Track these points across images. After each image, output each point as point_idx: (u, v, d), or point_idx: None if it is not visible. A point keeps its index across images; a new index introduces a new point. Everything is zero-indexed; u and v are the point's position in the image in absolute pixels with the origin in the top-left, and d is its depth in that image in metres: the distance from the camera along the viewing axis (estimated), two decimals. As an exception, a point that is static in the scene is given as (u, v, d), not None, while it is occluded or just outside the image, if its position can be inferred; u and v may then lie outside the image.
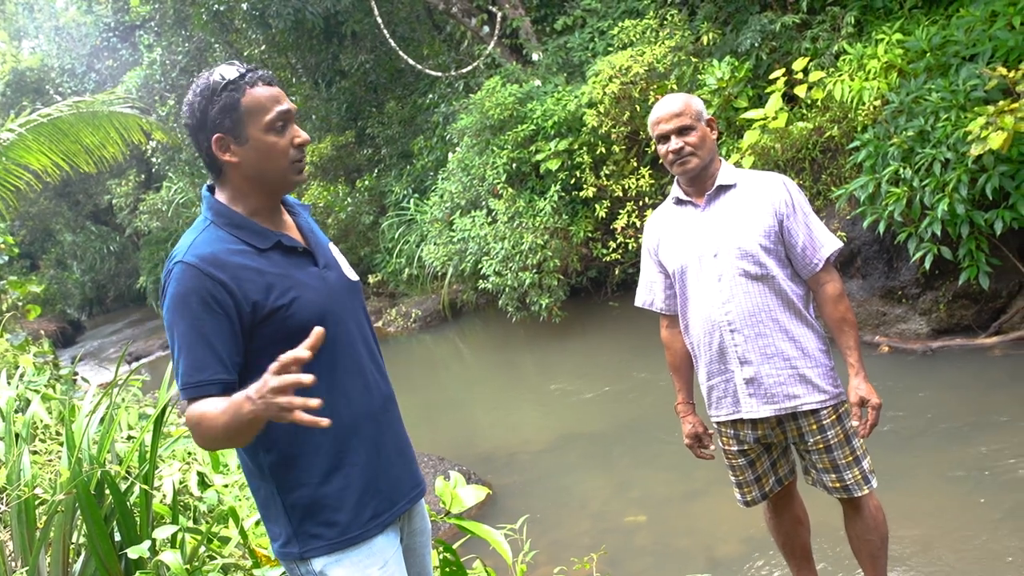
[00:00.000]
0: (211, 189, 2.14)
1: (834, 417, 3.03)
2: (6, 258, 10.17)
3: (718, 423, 3.23)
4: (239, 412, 1.77)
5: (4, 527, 3.41)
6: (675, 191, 3.21)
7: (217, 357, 1.94)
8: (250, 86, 2.03)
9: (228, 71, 2.04)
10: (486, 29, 12.81)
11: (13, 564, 3.03)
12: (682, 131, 3.02)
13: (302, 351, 1.70)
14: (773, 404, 3.02)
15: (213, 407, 1.86)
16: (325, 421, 1.70)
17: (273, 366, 1.70)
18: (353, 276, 2.27)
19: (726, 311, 3.01)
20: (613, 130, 9.43)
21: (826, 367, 3.05)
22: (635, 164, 9.75)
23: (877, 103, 6.99)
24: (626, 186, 9.53)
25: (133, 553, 2.81)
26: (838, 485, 3.08)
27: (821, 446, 3.05)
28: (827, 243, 3.02)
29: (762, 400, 3.03)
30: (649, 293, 3.35)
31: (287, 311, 2.01)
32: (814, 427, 3.03)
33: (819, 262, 3.01)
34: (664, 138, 3.07)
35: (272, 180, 2.09)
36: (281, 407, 1.69)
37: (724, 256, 3.01)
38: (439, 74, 13.70)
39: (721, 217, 3.06)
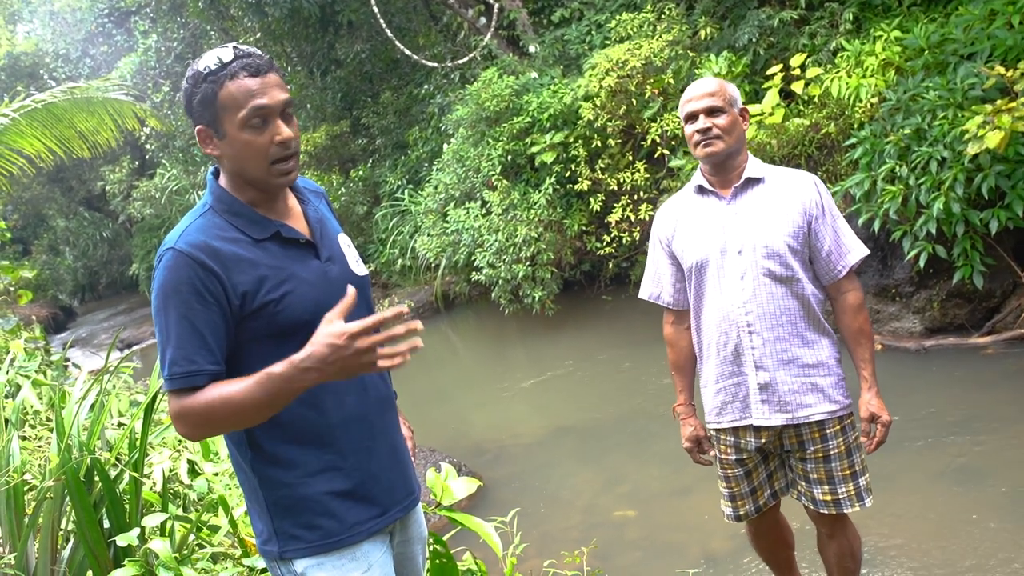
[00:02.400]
0: (216, 173, 2.05)
1: (838, 428, 2.93)
2: (-2, 243, 10.12)
3: (718, 430, 3.09)
4: (292, 380, 1.78)
5: (-8, 513, 3.39)
6: (697, 178, 3.03)
7: (207, 347, 1.87)
8: (229, 78, 1.88)
9: (213, 58, 1.90)
10: (483, 20, 12.76)
11: (1, 549, 3.02)
12: (712, 112, 2.87)
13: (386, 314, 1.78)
14: (785, 413, 2.90)
15: (235, 387, 1.83)
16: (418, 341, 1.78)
17: (353, 326, 1.75)
18: (361, 271, 2.16)
19: (746, 311, 2.88)
20: (609, 124, 9.41)
21: (838, 377, 2.94)
22: (630, 158, 9.74)
23: (874, 100, 6.98)
24: (621, 180, 9.52)
25: (122, 540, 2.80)
26: (829, 499, 2.96)
27: (820, 455, 2.94)
28: (854, 249, 2.91)
29: (775, 408, 2.90)
30: (656, 285, 3.18)
31: (277, 306, 1.93)
32: (816, 435, 2.93)
33: (843, 269, 2.90)
34: (692, 117, 2.91)
35: (253, 179, 1.98)
36: (370, 362, 1.76)
37: (749, 253, 2.87)
38: (435, 65, 13.65)
39: (748, 212, 2.91)
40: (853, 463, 2.96)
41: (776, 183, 2.94)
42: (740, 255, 2.88)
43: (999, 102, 5.67)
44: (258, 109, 1.89)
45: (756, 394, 2.92)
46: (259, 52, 1.95)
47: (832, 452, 2.94)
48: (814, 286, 2.92)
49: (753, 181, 2.94)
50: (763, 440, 2.98)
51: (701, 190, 3.03)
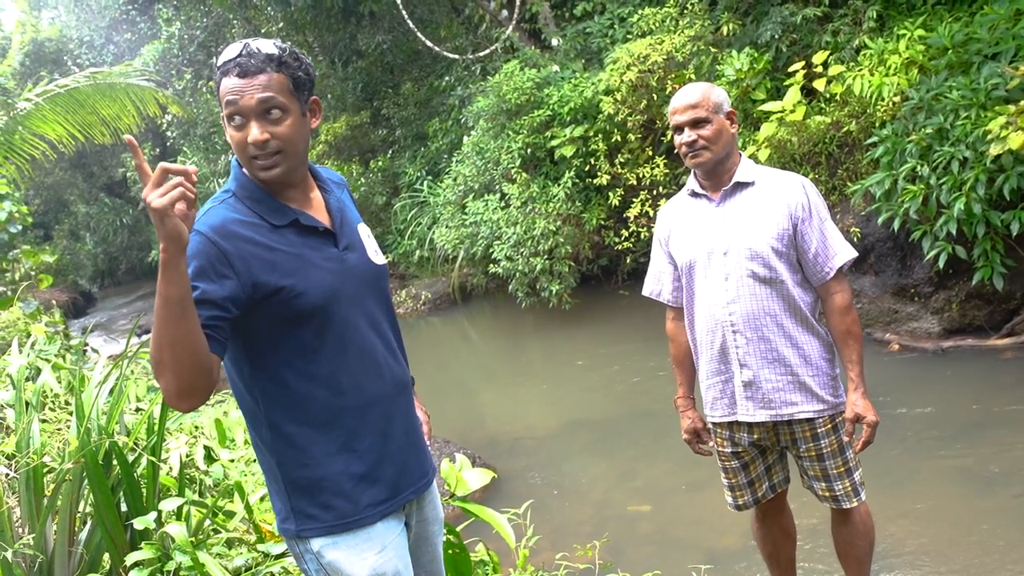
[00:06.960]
0: None
1: (830, 426, 2.99)
2: (20, 227, 10.21)
3: (713, 423, 3.18)
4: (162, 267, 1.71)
5: (12, 494, 3.43)
6: (691, 183, 3.12)
7: (211, 301, 1.85)
8: (224, 75, 1.95)
9: (224, 53, 1.98)
10: (505, 13, 12.75)
11: (20, 531, 3.05)
12: (697, 123, 2.92)
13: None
14: (770, 410, 2.97)
15: None
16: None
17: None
18: (379, 260, 2.21)
19: (730, 311, 2.95)
20: (629, 118, 9.39)
21: (828, 376, 2.99)
22: (650, 153, 9.71)
23: (896, 99, 6.95)
24: (640, 175, 9.50)
25: (139, 524, 2.83)
26: (827, 495, 3.07)
27: (813, 454, 3.02)
28: (841, 252, 2.93)
29: (759, 405, 2.98)
30: (657, 283, 3.29)
31: (292, 291, 1.97)
32: (808, 434, 3.00)
33: (830, 271, 2.93)
34: (679, 129, 2.98)
35: (249, 170, 2.04)
36: (164, 206, 1.69)
37: (734, 255, 2.94)
38: (456, 57, 13.65)
39: (735, 215, 2.98)
40: (847, 460, 3.04)
41: (765, 186, 2.99)
42: (725, 256, 2.96)
43: (1022, 103, 5.64)
44: (232, 107, 1.94)
45: (741, 391, 3.01)
46: (265, 53, 1.95)
47: (825, 451, 3.01)
48: (801, 287, 2.97)
49: (742, 185, 3.00)
50: (756, 436, 3.07)
51: (694, 194, 3.12)
